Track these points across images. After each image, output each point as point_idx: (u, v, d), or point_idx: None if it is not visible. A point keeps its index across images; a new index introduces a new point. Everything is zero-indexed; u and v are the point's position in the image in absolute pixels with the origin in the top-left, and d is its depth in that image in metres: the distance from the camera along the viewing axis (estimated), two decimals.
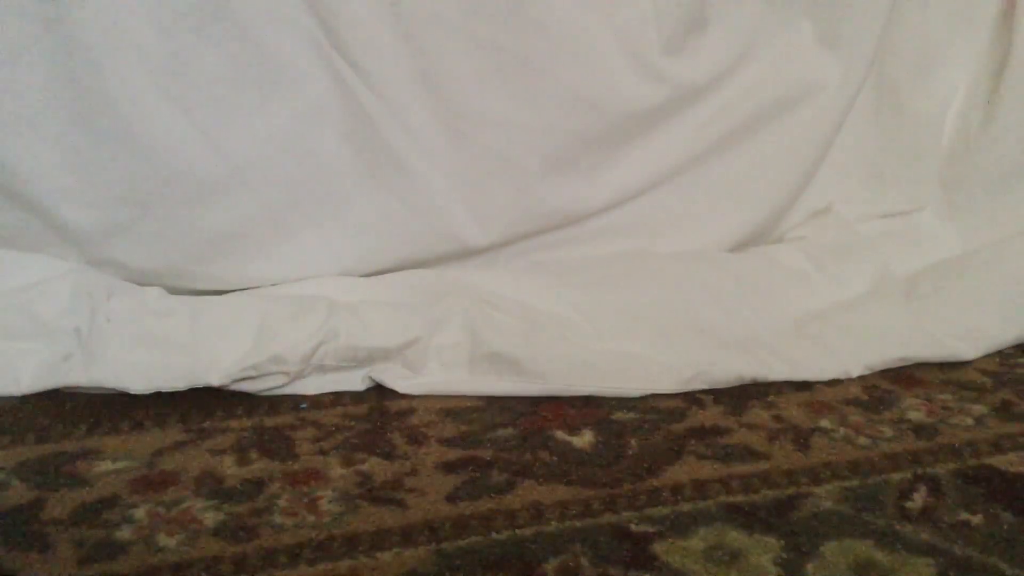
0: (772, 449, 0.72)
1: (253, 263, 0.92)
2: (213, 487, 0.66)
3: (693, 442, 0.73)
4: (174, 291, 0.89)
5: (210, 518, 0.62)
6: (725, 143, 1.04)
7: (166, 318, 0.83)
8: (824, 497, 0.65)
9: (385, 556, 0.58)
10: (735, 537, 0.60)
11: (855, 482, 0.67)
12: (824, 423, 0.77)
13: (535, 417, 0.78)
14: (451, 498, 0.65)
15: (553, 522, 0.62)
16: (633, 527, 0.61)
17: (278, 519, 0.62)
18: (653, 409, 0.79)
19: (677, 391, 0.82)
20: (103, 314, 0.82)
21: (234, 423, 0.77)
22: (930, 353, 0.89)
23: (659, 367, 0.83)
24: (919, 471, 0.69)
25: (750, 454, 0.71)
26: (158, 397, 0.78)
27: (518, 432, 0.75)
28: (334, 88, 0.89)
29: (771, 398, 0.81)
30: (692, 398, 0.81)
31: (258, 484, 0.67)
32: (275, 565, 0.57)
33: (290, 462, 0.70)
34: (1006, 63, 1.09)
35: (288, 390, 0.81)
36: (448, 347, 0.84)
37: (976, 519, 0.62)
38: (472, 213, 0.96)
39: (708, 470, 0.69)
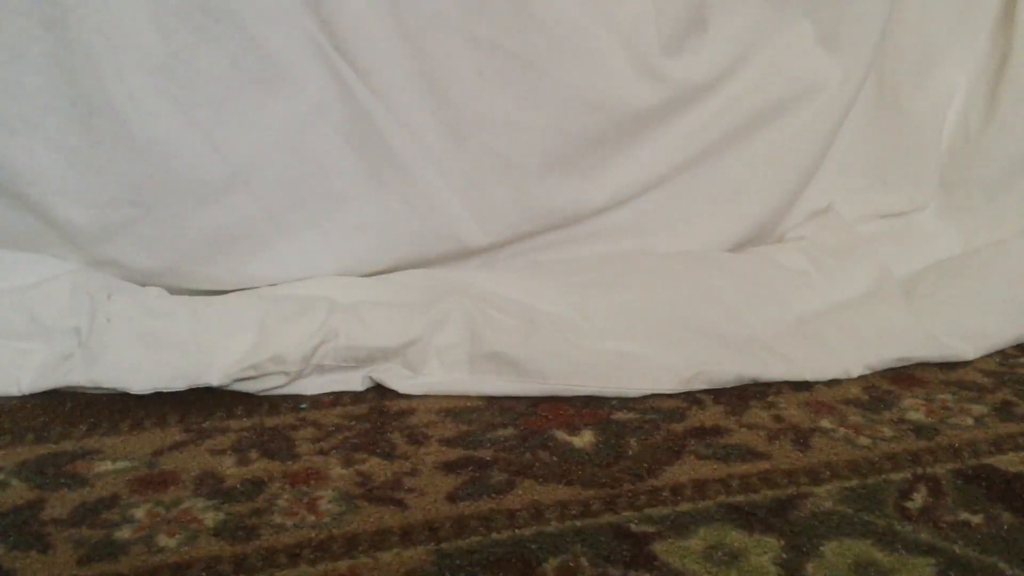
0: (772, 449, 0.72)
1: (253, 263, 0.92)
2: (213, 487, 0.66)
3: (693, 442, 0.73)
4: (174, 291, 0.89)
5: (210, 518, 0.62)
6: (725, 143, 1.04)
7: (166, 318, 0.83)
8: (824, 497, 0.65)
9: (385, 556, 0.58)
10: (735, 537, 0.60)
11: (855, 482, 0.67)
12: (824, 423, 0.77)
13: (535, 417, 0.78)
14: (451, 498, 0.65)
15: (553, 522, 0.62)
16: (633, 527, 0.61)
17: (278, 519, 0.62)
18: (653, 409, 0.79)
19: (677, 391, 0.82)
20: (103, 314, 0.81)
21: (234, 423, 0.77)
22: (930, 353, 0.89)
23: (659, 367, 0.83)
24: (919, 471, 0.69)
25: (750, 454, 0.71)
26: (158, 397, 0.78)
27: (518, 432, 0.75)
28: (334, 88, 0.89)
29: (771, 398, 0.81)
30: (692, 398, 0.81)
31: (258, 484, 0.67)
32: (275, 565, 0.57)
33: (290, 462, 0.70)
34: (1006, 63, 1.09)
35: (288, 390, 0.81)
36: (448, 347, 0.84)
37: (976, 519, 0.62)
38: (472, 213, 0.96)
39: (708, 470, 0.69)
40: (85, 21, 0.80)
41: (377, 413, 0.79)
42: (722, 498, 0.65)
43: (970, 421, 0.77)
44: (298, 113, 0.89)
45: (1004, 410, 0.79)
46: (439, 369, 0.83)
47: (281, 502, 0.64)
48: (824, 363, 0.86)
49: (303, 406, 0.80)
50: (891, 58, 1.09)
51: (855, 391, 0.83)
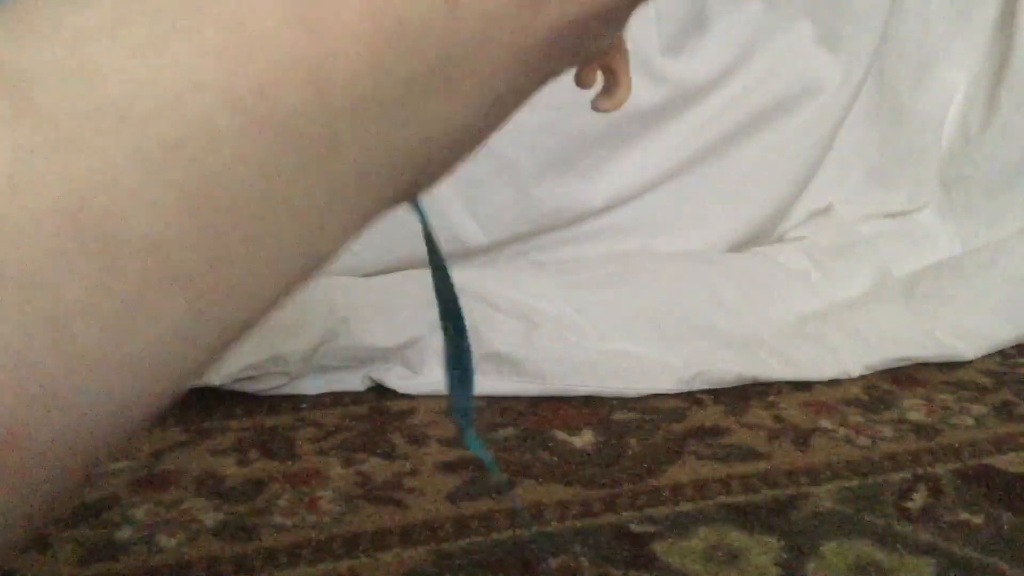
0: (772, 449, 0.72)
1: None
2: (213, 487, 0.66)
3: (693, 442, 0.73)
4: None
5: (210, 518, 0.62)
6: (725, 143, 1.04)
7: None
8: (824, 497, 0.65)
9: (385, 556, 0.58)
10: (735, 537, 0.60)
11: (855, 482, 0.67)
12: (824, 423, 0.77)
13: (535, 417, 0.78)
14: (451, 498, 0.65)
15: (553, 522, 0.62)
16: (633, 527, 0.61)
17: (278, 519, 0.62)
18: (653, 409, 0.79)
19: (677, 391, 0.82)
20: None
21: (234, 423, 0.77)
22: (930, 353, 0.89)
23: (659, 367, 0.83)
24: (919, 471, 0.69)
25: (750, 454, 0.71)
26: None
27: (518, 432, 0.75)
28: None
29: (771, 398, 0.81)
30: (692, 398, 0.81)
31: (258, 484, 0.67)
32: (275, 565, 0.57)
33: (290, 462, 0.70)
34: (1006, 63, 1.09)
35: (288, 390, 0.81)
36: None
37: (976, 519, 0.62)
38: (472, 213, 0.96)
39: (708, 470, 0.69)
40: None
41: (377, 413, 0.79)
42: (722, 498, 0.65)
43: (970, 421, 0.77)
44: None
45: (1004, 410, 0.79)
46: (439, 369, 0.83)
47: (281, 502, 0.64)
48: (824, 363, 0.86)
49: (303, 406, 0.80)
50: (891, 58, 1.09)
51: (855, 391, 0.83)
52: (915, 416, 0.78)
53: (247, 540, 0.60)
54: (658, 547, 0.59)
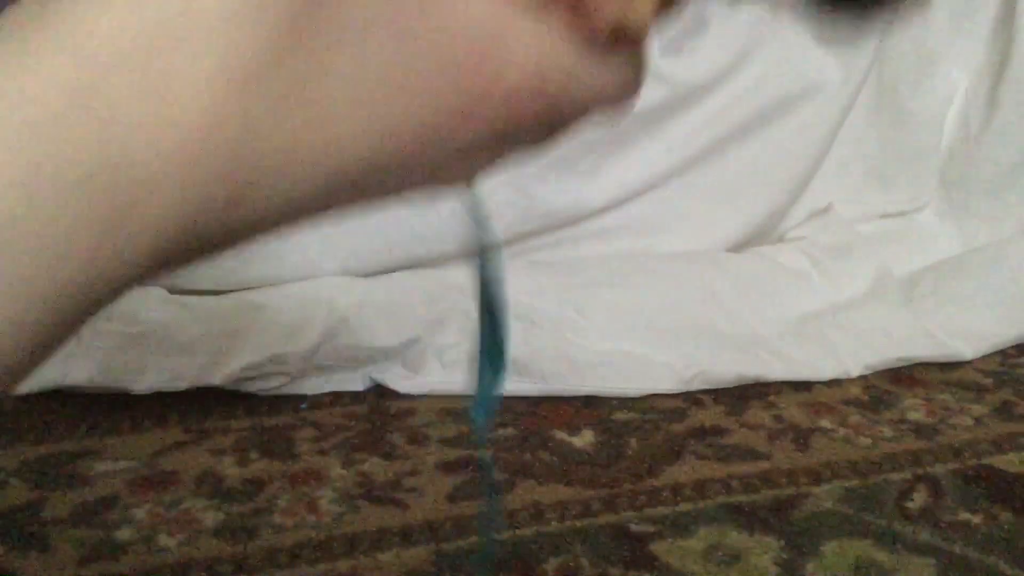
0: (772, 449, 0.72)
1: (253, 263, 0.92)
2: (213, 487, 0.66)
3: (693, 442, 0.73)
4: (174, 291, 0.88)
5: (210, 518, 0.62)
6: (725, 143, 1.04)
7: (166, 318, 0.83)
8: (824, 497, 0.65)
9: (385, 556, 0.58)
10: (735, 537, 0.60)
11: (855, 482, 0.67)
12: (824, 423, 0.77)
13: (535, 417, 0.78)
14: (451, 498, 0.65)
15: (553, 522, 0.62)
16: (633, 527, 0.61)
17: (278, 519, 0.62)
18: (653, 409, 0.79)
19: (677, 391, 0.82)
20: (103, 314, 0.81)
21: (234, 423, 0.77)
22: (930, 353, 0.89)
23: (659, 367, 0.83)
24: (919, 471, 0.69)
25: (750, 454, 0.71)
26: (158, 397, 0.78)
27: (518, 432, 0.75)
28: None
29: (771, 398, 0.81)
30: (692, 398, 0.81)
31: (258, 484, 0.67)
32: (275, 565, 0.57)
33: (290, 462, 0.70)
34: (1006, 63, 1.09)
35: (288, 390, 0.81)
36: (448, 347, 0.84)
37: (976, 519, 0.62)
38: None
39: (708, 470, 0.69)
40: None
41: (377, 413, 0.79)
42: (722, 498, 0.65)
43: (970, 421, 0.77)
44: None
45: (1004, 410, 0.79)
46: (439, 369, 0.83)
47: (281, 502, 0.64)
48: (824, 363, 0.86)
49: (303, 406, 0.80)
50: (891, 58, 1.09)
51: (855, 391, 0.83)
52: (915, 416, 0.78)
53: (247, 540, 0.60)
54: (658, 547, 0.59)
